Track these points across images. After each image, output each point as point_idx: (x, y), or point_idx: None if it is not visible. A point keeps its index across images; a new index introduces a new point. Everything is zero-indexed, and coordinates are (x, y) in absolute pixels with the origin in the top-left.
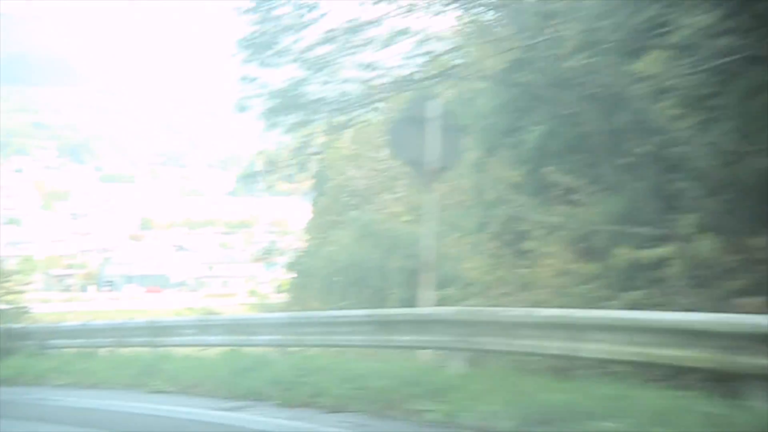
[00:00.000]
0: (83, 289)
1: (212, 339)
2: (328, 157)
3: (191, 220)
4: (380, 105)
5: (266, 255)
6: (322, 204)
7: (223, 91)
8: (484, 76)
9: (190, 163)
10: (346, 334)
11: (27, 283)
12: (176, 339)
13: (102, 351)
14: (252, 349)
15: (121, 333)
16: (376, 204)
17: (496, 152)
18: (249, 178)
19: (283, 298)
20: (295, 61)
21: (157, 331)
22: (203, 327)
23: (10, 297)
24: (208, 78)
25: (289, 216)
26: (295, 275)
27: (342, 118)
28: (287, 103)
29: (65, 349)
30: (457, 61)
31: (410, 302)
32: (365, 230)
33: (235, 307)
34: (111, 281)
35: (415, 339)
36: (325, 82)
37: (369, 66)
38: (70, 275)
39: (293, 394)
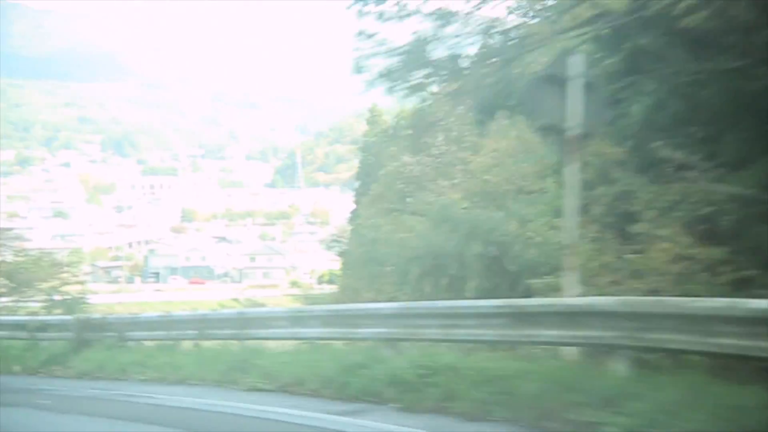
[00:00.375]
0: (129, 280)
1: (308, 332)
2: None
3: (231, 211)
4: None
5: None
6: (375, 192)
7: (263, 82)
8: (590, 38)
9: (229, 155)
10: (472, 327)
11: (78, 275)
12: (267, 331)
13: (184, 344)
14: (352, 344)
15: (205, 325)
16: (432, 191)
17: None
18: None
19: (328, 288)
20: (417, 14)
21: (245, 322)
22: (298, 318)
23: (66, 288)
24: (250, 70)
25: (330, 207)
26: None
27: (462, 81)
28: (410, 63)
29: (145, 342)
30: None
31: (491, 291)
32: (442, 216)
33: (279, 299)
34: (156, 273)
35: (563, 334)
36: (450, 39)
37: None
38: (116, 267)
39: (418, 396)
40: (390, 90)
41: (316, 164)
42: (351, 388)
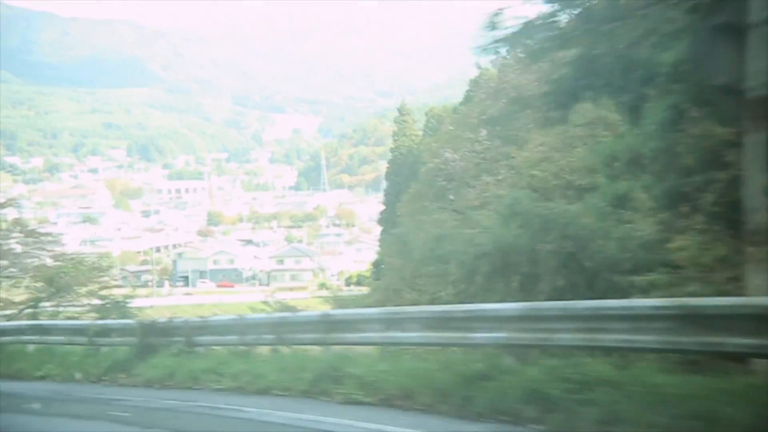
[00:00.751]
0: (159, 284)
1: (406, 336)
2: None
3: (257, 214)
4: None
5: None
6: (415, 189)
7: (285, 85)
8: None
9: (253, 158)
10: (624, 332)
11: (117, 279)
12: (356, 336)
13: (259, 349)
14: (459, 351)
15: (284, 328)
16: (476, 188)
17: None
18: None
19: (356, 290)
20: None
21: (331, 326)
22: (393, 321)
23: (105, 292)
24: (271, 74)
25: (355, 208)
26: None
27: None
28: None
29: (215, 348)
30: None
31: (567, 291)
32: (512, 209)
33: (309, 301)
34: (185, 276)
35: (761, 343)
36: None
37: None
38: (145, 271)
39: (568, 417)
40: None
41: (340, 166)
42: (476, 404)
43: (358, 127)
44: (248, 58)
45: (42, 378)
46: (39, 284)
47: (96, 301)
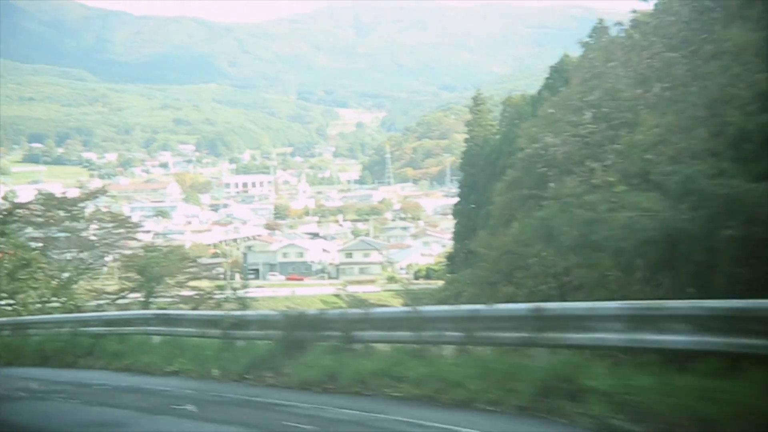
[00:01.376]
0: (231, 277)
1: (666, 339)
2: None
3: (323, 207)
4: None
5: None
6: (512, 177)
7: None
8: None
9: (318, 152)
10: None
11: (210, 270)
12: (583, 337)
13: (433, 349)
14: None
15: (476, 325)
16: (578, 174)
17: None
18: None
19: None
20: None
21: (545, 323)
22: (644, 319)
23: (193, 283)
24: (335, 69)
25: (421, 201)
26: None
27: None
28: None
29: (378, 345)
30: None
31: (753, 284)
32: (683, 189)
33: (379, 294)
34: (255, 269)
35: None
36: None
37: None
38: (217, 264)
39: None
40: None
41: (405, 159)
42: None
43: (422, 120)
44: (313, 54)
45: (175, 373)
46: (130, 274)
47: (185, 293)
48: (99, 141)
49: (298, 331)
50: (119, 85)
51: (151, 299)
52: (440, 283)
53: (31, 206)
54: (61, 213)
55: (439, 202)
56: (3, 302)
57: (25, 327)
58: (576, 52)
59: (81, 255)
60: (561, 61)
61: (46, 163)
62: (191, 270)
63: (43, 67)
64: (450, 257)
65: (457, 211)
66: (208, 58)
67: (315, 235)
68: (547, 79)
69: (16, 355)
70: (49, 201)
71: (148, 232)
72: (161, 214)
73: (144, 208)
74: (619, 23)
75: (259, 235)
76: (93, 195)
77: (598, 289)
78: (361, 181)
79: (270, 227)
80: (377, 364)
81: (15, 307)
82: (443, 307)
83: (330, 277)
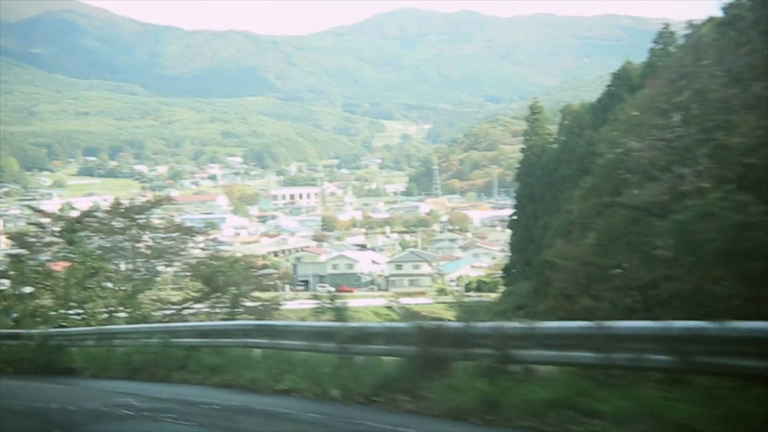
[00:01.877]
0: (281, 288)
1: None
2: None
3: (370, 219)
4: None
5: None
6: (590, 184)
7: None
8: None
9: (364, 164)
10: None
11: (274, 280)
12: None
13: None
14: None
15: (697, 347)
16: (665, 181)
17: None
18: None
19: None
20: None
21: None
22: None
23: (256, 293)
24: (380, 82)
25: (469, 213)
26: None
27: None
28: None
29: (541, 367)
30: None
31: None
32: None
33: (431, 306)
34: (305, 280)
35: None
36: None
37: None
38: (267, 275)
39: None
40: None
41: (451, 171)
42: None
43: (468, 132)
44: (358, 66)
45: (285, 392)
46: (196, 283)
47: (249, 303)
48: (150, 154)
49: (436, 346)
50: (170, 99)
51: (217, 309)
52: (493, 295)
53: (97, 214)
54: (127, 222)
55: (486, 214)
56: (72, 311)
57: (111, 337)
58: (622, 61)
59: (146, 264)
60: (623, 68)
61: (99, 175)
62: (255, 280)
63: (98, 83)
64: (506, 269)
65: (513, 223)
66: (256, 71)
67: (362, 247)
68: (609, 86)
69: (103, 367)
70: (115, 209)
71: (212, 240)
72: (211, 225)
73: (194, 219)
74: (691, 24)
75: (307, 247)
76: (158, 203)
77: (689, 303)
78: (407, 193)
79: (317, 239)
80: (552, 391)
81: (84, 316)
82: (645, 323)
83: (380, 289)
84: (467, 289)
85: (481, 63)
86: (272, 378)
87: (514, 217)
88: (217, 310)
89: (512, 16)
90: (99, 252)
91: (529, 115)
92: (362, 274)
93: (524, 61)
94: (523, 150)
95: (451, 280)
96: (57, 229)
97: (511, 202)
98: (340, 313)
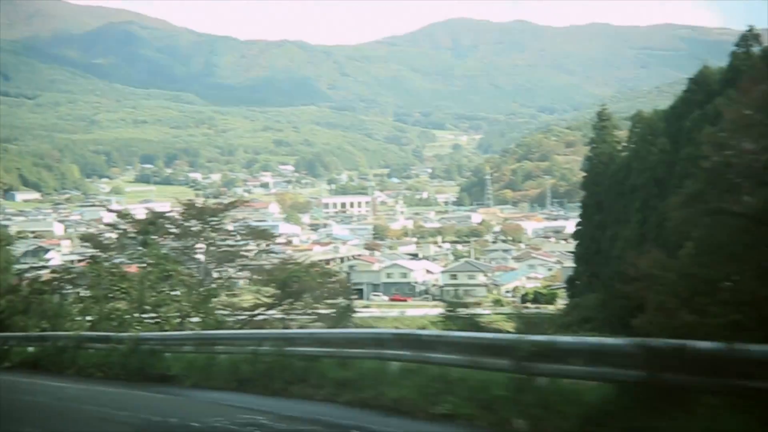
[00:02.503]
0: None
1: None
2: None
3: (422, 228)
4: None
5: None
6: (693, 189)
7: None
8: None
9: (414, 174)
10: None
11: (348, 286)
12: None
13: None
14: None
15: None
16: None
17: None
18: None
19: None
20: None
21: None
22: None
23: (330, 300)
24: (431, 92)
25: (522, 224)
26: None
27: None
28: None
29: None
30: None
31: None
32: None
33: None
34: (359, 289)
35: None
36: None
37: None
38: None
39: None
40: None
41: (503, 181)
42: None
43: (521, 142)
44: (410, 76)
45: (447, 418)
46: (269, 289)
47: (323, 310)
48: (204, 162)
49: (668, 371)
50: (224, 108)
51: (292, 316)
52: (551, 307)
53: (170, 216)
54: (199, 224)
55: (540, 225)
56: (146, 315)
57: (212, 343)
58: (684, 72)
59: (219, 268)
60: (701, 74)
61: (155, 182)
62: (331, 286)
63: (156, 92)
64: (569, 281)
65: (578, 233)
66: (309, 80)
67: (414, 256)
68: (685, 92)
69: (205, 376)
70: (188, 211)
71: (287, 244)
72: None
73: (248, 227)
74: None
75: (359, 255)
76: (231, 206)
77: None
78: (458, 203)
79: (369, 247)
80: None
81: (158, 321)
82: None
83: (434, 299)
84: (523, 300)
85: (533, 73)
86: (425, 399)
87: (579, 227)
88: (293, 317)
89: (566, 25)
90: (172, 255)
91: (597, 122)
92: (416, 283)
93: (578, 72)
94: (588, 158)
95: (507, 291)
96: (131, 230)
97: (564, 213)
98: (474, 323)
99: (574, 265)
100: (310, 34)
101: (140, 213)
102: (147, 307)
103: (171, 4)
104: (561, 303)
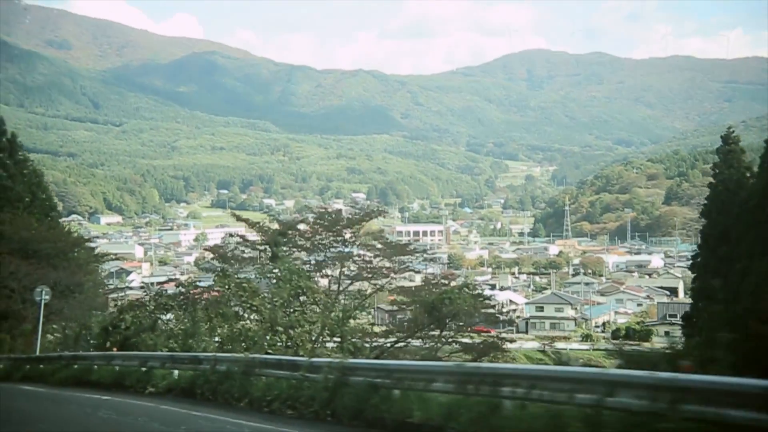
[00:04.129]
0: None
1: None
2: None
3: (498, 259)
4: None
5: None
6: None
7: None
8: None
9: (487, 204)
10: None
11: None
12: None
13: None
14: None
15: None
16: None
17: None
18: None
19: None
20: None
21: None
22: None
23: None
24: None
25: (603, 257)
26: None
27: None
28: None
29: None
30: None
31: None
32: None
33: (590, 353)
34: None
35: None
36: None
37: None
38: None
39: None
40: None
41: (580, 213)
42: None
43: (599, 174)
44: (484, 106)
45: None
46: (414, 311)
47: (465, 339)
48: (278, 188)
49: None
50: (299, 136)
51: (429, 343)
52: (646, 344)
53: (300, 228)
54: (331, 237)
55: (621, 259)
56: (278, 337)
57: (493, 381)
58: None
59: (353, 285)
60: None
61: (231, 207)
62: (487, 311)
63: (234, 119)
64: (686, 317)
65: (698, 266)
66: (383, 109)
67: (492, 287)
68: None
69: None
70: (319, 221)
71: (431, 260)
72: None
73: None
74: None
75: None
76: (368, 216)
77: None
78: (532, 234)
79: (445, 277)
80: None
81: (289, 344)
82: None
83: (518, 331)
84: (614, 336)
85: (610, 105)
86: None
87: (696, 260)
88: (430, 344)
89: (645, 57)
90: (305, 269)
91: (721, 146)
92: (500, 314)
93: (657, 105)
94: (711, 185)
95: (597, 326)
96: (258, 240)
97: (646, 247)
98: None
99: (689, 300)
100: (385, 64)
101: (217, 237)
102: (279, 328)
103: (252, 35)
104: (656, 340)
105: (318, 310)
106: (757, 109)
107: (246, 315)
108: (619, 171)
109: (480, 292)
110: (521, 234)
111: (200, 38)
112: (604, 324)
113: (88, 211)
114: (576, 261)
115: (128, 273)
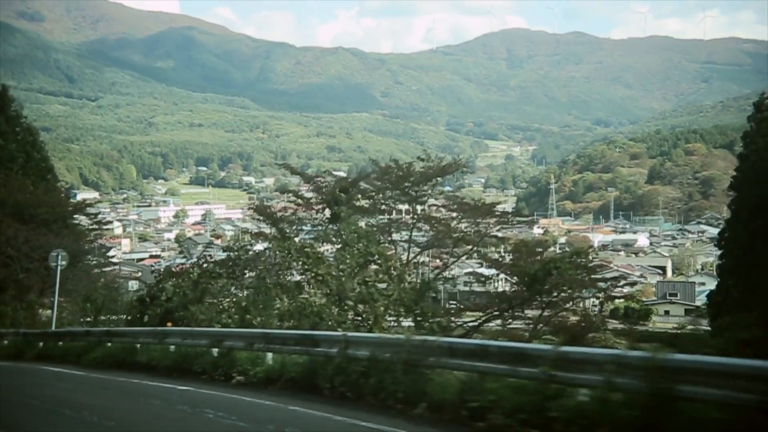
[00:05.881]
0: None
1: None
2: None
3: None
4: None
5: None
6: None
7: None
8: None
9: (467, 183)
10: None
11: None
12: None
13: None
14: None
15: None
16: None
17: None
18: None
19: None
20: None
21: None
22: None
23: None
24: (483, 101)
25: (590, 236)
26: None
27: None
28: None
29: None
30: None
31: None
32: None
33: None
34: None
35: None
36: None
37: None
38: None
39: None
40: None
41: (563, 193)
42: None
43: (582, 153)
44: (463, 85)
45: None
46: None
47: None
48: (258, 166)
49: None
50: (278, 113)
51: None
52: (650, 324)
53: (365, 182)
54: (398, 194)
55: (608, 238)
56: (350, 313)
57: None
58: (748, 87)
59: (429, 251)
60: None
61: (209, 185)
62: (598, 283)
63: (212, 96)
64: (711, 296)
65: (727, 240)
66: (363, 88)
67: (481, 264)
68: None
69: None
70: (386, 176)
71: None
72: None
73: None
74: None
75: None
76: (448, 170)
77: None
78: (516, 213)
79: (434, 254)
80: None
81: (363, 320)
82: None
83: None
84: (612, 316)
85: (589, 85)
86: None
87: (725, 234)
88: (542, 327)
89: (624, 38)
90: (374, 231)
91: (755, 113)
92: (496, 291)
93: (636, 85)
94: (741, 155)
95: (593, 305)
96: (316, 198)
97: (631, 226)
98: None
99: (716, 278)
100: (365, 42)
101: (197, 214)
102: (349, 302)
103: (230, 12)
104: (656, 320)
105: (390, 281)
106: (734, 89)
107: (309, 286)
108: (601, 150)
109: (593, 260)
110: (504, 213)
111: (177, 13)
112: (601, 303)
113: (64, 186)
114: (562, 240)
115: (107, 249)
